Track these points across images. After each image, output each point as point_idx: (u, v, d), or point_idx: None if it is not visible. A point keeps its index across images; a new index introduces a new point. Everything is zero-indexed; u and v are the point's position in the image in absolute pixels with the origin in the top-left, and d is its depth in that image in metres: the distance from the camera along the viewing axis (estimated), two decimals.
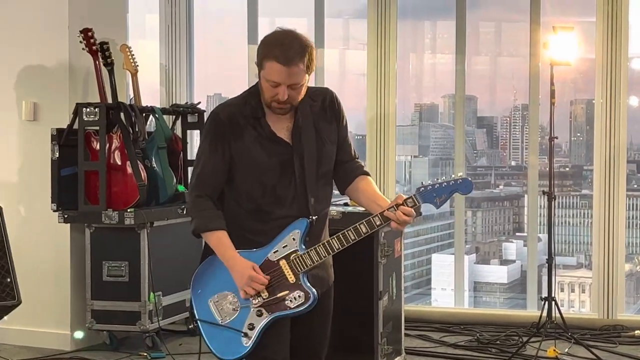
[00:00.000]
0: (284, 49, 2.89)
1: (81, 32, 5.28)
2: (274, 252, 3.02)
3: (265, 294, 2.99)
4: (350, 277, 4.22)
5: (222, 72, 7.89)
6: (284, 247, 3.01)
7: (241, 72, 6.84)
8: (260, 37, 3.01)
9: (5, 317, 4.82)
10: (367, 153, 6.54)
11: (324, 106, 3.11)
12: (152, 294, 5.28)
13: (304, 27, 6.49)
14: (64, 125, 5.30)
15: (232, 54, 7.65)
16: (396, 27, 6.54)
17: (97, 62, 5.32)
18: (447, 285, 7.17)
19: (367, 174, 3.20)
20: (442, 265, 8.00)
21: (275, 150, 3.01)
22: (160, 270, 5.34)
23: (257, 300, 2.99)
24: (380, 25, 6.50)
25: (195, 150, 6.11)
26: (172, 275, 5.42)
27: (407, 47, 7.41)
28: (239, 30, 6.96)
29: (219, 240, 3.02)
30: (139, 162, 5.31)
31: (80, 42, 5.28)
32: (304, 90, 2.99)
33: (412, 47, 7.68)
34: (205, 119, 5.80)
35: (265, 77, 2.93)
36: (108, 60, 5.34)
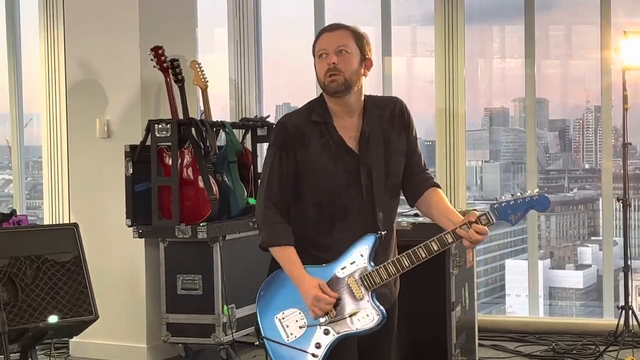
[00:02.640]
0: (329, 24, 3.04)
1: (152, 50, 5.37)
2: (342, 269, 2.98)
3: (332, 313, 2.95)
4: (421, 288, 4.20)
5: (290, 82, 7.93)
6: (351, 263, 2.98)
7: (309, 82, 6.86)
8: None
9: (83, 331, 4.95)
10: (436, 159, 6.50)
11: (393, 115, 3.07)
12: (225, 306, 5.33)
13: (371, 35, 6.47)
14: (137, 141, 5.38)
15: (299, 64, 7.68)
16: (464, 32, 6.49)
17: (168, 79, 5.41)
18: (521, 291, 7.09)
19: (437, 185, 3.14)
20: (515, 271, 7.90)
21: (342, 159, 2.98)
22: (233, 282, 5.39)
23: (324, 319, 2.95)
24: (447, 30, 6.46)
25: None
26: (244, 287, 5.46)
27: (475, 51, 7.35)
28: (307, 40, 6.98)
29: (287, 257, 3.00)
30: (210, 176, 5.37)
31: (152, 59, 5.37)
32: (354, 63, 2.97)
33: (480, 51, 7.61)
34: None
35: (316, 57, 2.99)
36: (179, 76, 5.42)
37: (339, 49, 2.96)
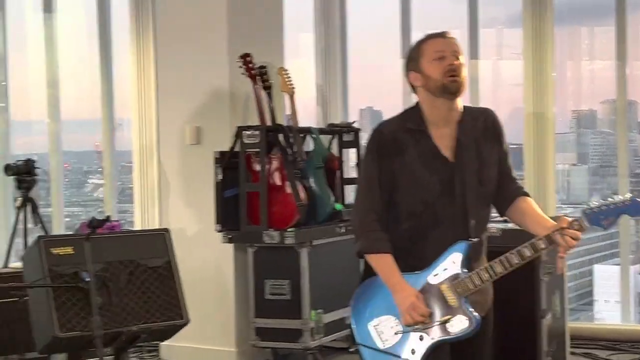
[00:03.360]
0: (436, 32, 3.08)
1: (241, 57, 5.43)
2: (434, 276, 3.00)
3: (426, 320, 2.96)
4: (512, 295, 4.16)
5: (374, 86, 7.92)
6: (444, 270, 2.99)
7: (394, 86, 6.86)
8: None
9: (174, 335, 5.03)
10: (525, 163, 6.42)
11: (486, 126, 3.10)
12: (313, 311, 5.36)
13: (457, 38, 6.44)
14: (226, 148, 5.45)
15: (383, 68, 7.67)
16: (553, 33, 6.40)
17: (256, 86, 5.47)
18: (610, 297, 6.95)
19: (527, 194, 3.15)
20: (604, 276, 7.75)
21: (437, 168, 3.02)
22: (320, 287, 5.42)
23: (418, 325, 2.97)
24: (536, 32, 6.37)
25: (351, 168, 6.25)
26: (332, 292, 5.49)
27: (564, 53, 7.22)
28: (392, 43, 6.98)
29: (385, 264, 3.03)
30: (297, 182, 5.41)
31: (240, 67, 5.43)
32: (465, 72, 3.03)
33: (569, 53, 7.48)
34: (361, 137, 5.95)
35: (429, 57, 3.02)
36: (266, 83, 5.48)
37: (456, 54, 3.02)
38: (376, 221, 3.04)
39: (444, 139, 3.04)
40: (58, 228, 7.17)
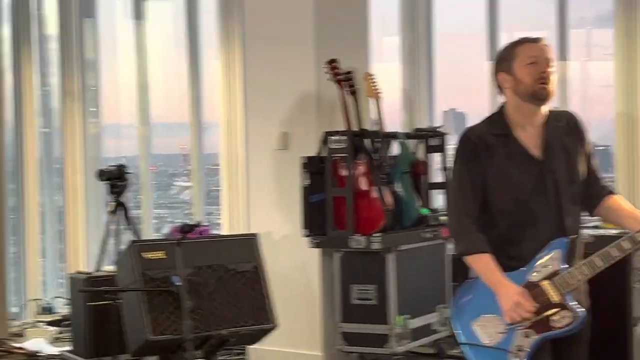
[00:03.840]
0: (531, 37, 3.11)
1: (327, 63, 5.46)
2: (535, 273, 3.03)
3: (531, 317, 2.99)
4: (602, 303, 4.09)
5: (459, 88, 7.86)
6: (544, 267, 3.03)
7: (479, 88, 6.79)
8: None
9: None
10: (615, 164, 6.29)
11: (569, 127, 3.15)
12: (399, 317, 5.36)
13: (546, 39, 6.33)
14: (313, 153, 5.49)
15: (470, 71, 7.61)
16: None
17: (342, 91, 5.49)
18: None
19: (615, 192, 3.20)
20: None
21: (527, 167, 3.07)
22: (407, 293, 5.41)
23: (523, 322, 2.99)
24: (628, 32, 6.23)
25: (437, 173, 6.21)
26: (418, 298, 5.48)
27: None
28: (478, 46, 6.90)
29: (485, 264, 3.07)
30: (384, 187, 5.42)
31: (327, 73, 5.46)
32: (555, 80, 3.06)
33: None
34: (447, 141, 5.92)
35: (522, 61, 3.05)
36: (352, 88, 5.49)
37: (549, 62, 3.05)
38: (472, 223, 3.10)
39: (531, 139, 3.09)
40: (147, 229, 7.32)
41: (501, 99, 3.18)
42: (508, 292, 3.00)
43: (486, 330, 3.06)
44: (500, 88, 3.15)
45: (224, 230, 6.53)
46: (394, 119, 6.74)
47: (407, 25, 6.91)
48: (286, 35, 5.75)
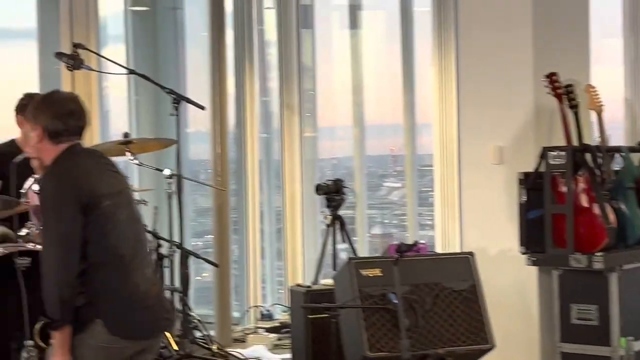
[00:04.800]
0: None
1: (547, 76, 5.33)
2: None
3: None
4: None
5: None
6: None
7: None
8: None
9: None
10: None
11: None
12: (623, 338, 5.18)
13: None
14: (528, 168, 5.38)
15: None
16: None
17: (562, 105, 5.34)
18: None
19: None
20: None
21: None
22: (630, 314, 5.21)
23: None
24: None
25: None
26: None
27: None
28: None
29: None
30: (606, 203, 5.23)
31: (546, 87, 5.33)
32: None
33: None
34: None
35: None
36: (573, 102, 5.33)
37: None
38: None
39: None
40: (360, 230, 7.45)
41: None
42: None
43: None
44: None
45: (436, 236, 6.54)
46: (616, 132, 6.49)
47: (631, 29, 6.60)
48: (503, 45, 5.66)
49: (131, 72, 5.35)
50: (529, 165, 5.39)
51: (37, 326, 4.67)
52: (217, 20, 6.75)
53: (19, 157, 4.87)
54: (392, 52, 7.31)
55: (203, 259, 5.70)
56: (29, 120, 3.52)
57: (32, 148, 3.52)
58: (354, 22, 7.45)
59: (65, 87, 6.64)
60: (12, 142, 5.72)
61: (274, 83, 7.73)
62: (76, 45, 5.19)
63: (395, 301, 4.61)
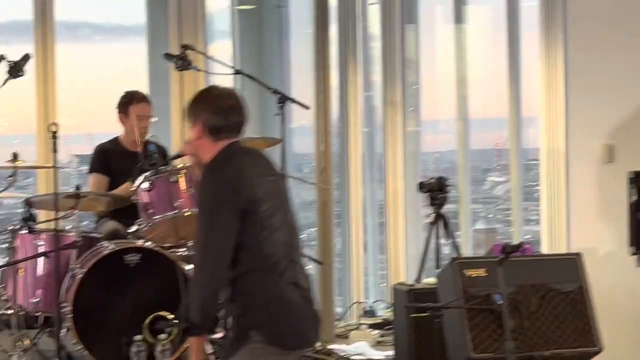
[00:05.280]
0: None
1: None
2: None
3: None
4: None
5: None
6: None
7: None
8: None
9: None
10: None
11: None
12: None
13: None
14: (639, 167, 5.25)
15: None
16: None
17: None
18: None
19: None
20: None
21: None
22: None
23: None
24: None
25: None
26: None
27: None
28: None
29: None
30: None
31: None
32: None
33: None
34: None
35: None
36: None
37: None
38: None
39: None
40: (463, 224, 7.38)
41: None
42: None
43: None
44: None
45: (542, 232, 6.43)
46: None
47: None
48: (614, 40, 5.53)
49: (237, 72, 5.42)
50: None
51: (147, 321, 4.80)
52: (322, 17, 6.79)
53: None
54: (498, 46, 7.22)
55: (307, 256, 5.74)
56: (188, 118, 3.42)
57: (191, 145, 3.41)
58: (458, 17, 7.37)
59: (174, 85, 6.83)
60: (116, 140, 5.90)
61: (377, 77, 7.73)
62: (184, 47, 5.29)
63: (500, 302, 4.56)
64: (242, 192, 3.24)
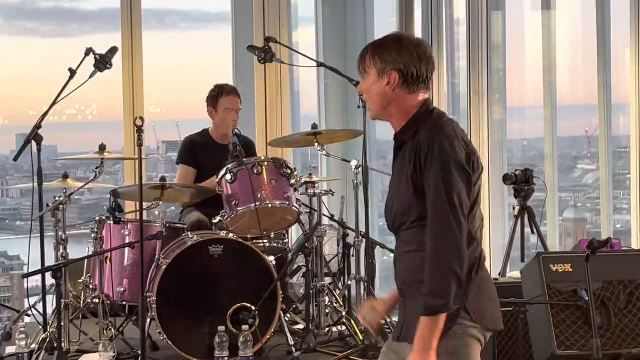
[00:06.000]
0: None
1: None
2: None
3: None
4: None
5: None
6: None
7: None
8: None
9: None
10: None
11: None
12: None
13: None
14: None
15: None
16: None
17: None
18: None
19: None
20: None
21: None
22: None
23: None
24: None
25: None
26: None
27: None
28: None
29: None
30: None
31: None
32: None
33: None
34: None
35: None
36: None
37: None
38: None
39: None
40: (552, 215, 7.25)
41: None
42: None
43: None
44: None
45: (632, 221, 6.28)
46: None
47: None
48: None
49: (320, 64, 5.39)
50: None
51: (230, 312, 4.85)
52: (407, 5, 6.72)
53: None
54: (587, 33, 7.08)
55: (389, 249, 5.71)
56: (373, 67, 2.87)
57: (379, 96, 2.87)
58: (546, 3, 7.24)
59: (258, 74, 6.85)
60: (205, 132, 5.94)
61: (462, 63, 7.63)
62: (268, 39, 5.29)
63: (587, 298, 4.46)
64: (473, 152, 2.82)
